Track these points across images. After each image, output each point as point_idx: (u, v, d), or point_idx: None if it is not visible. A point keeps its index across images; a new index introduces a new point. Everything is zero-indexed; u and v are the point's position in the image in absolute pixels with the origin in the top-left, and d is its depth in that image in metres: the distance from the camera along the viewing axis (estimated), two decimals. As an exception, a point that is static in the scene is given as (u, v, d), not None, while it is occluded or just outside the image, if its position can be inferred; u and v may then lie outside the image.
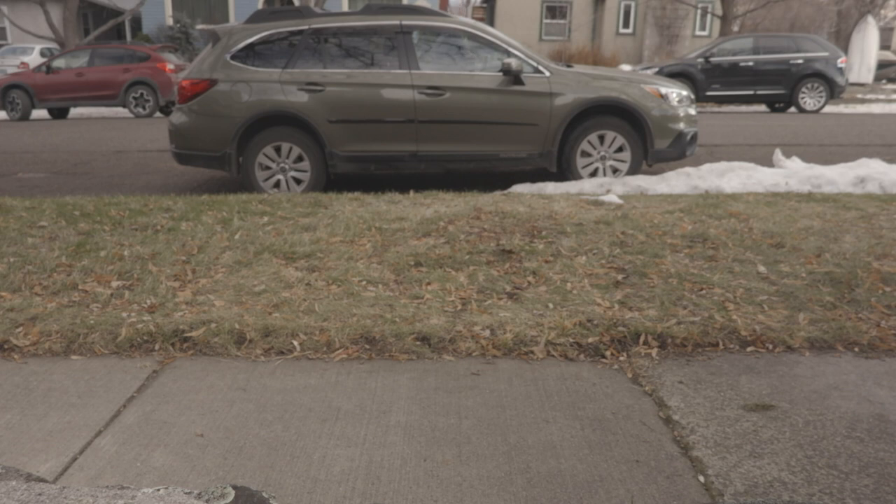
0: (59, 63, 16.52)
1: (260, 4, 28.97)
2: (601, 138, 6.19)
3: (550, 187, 6.01)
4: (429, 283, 3.41)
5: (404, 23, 6.14)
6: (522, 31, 28.52)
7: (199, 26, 6.13)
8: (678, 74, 15.81)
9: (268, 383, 2.55)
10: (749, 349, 2.77)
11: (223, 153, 6.06)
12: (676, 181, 6.08)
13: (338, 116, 6.02)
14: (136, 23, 29.15)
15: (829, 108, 16.09)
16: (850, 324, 2.90)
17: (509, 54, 6.13)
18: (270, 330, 2.88)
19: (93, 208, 5.02)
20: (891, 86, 23.69)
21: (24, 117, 16.24)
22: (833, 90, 15.37)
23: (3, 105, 16.20)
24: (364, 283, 3.43)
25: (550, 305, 3.12)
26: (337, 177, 6.34)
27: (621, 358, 2.73)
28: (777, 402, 2.36)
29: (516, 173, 7.16)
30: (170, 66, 16.16)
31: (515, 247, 3.91)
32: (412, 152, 6.17)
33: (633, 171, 6.23)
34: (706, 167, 6.39)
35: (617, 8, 28.53)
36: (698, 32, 28.57)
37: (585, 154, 6.21)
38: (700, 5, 26.62)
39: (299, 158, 6.09)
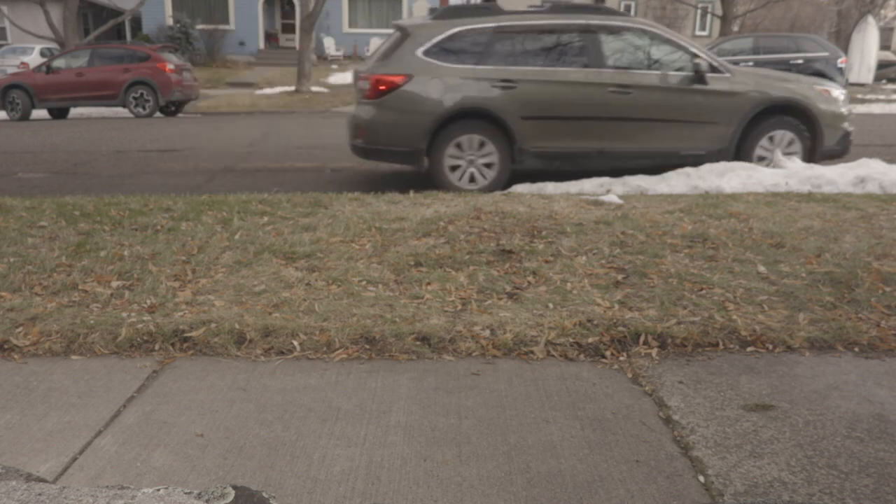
0: (59, 63, 16.52)
1: (260, 4, 28.97)
2: (770, 138, 6.38)
3: (550, 187, 6.01)
4: (429, 283, 3.41)
5: (591, 22, 6.28)
6: (522, 31, 28.48)
7: (399, 20, 6.15)
8: None
9: (268, 383, 2.55)
10: (749, 349, 2.77)
11: (414, 149, 6.17)
12: (676, 181, 6.08)
13: (529, 113, 6.14)
14: (136, 23, 29.15)
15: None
16: (850, 324, 2.90)
17: (690, 54, 6.31)
18: (270, 330, 2.88)
19: (93, 208, 5.01)
20: (891, 86, 23.68)
21: (24, 117, 16.23)
22: (833, 90, 15.36)
23: (3, 105, 16.19)
24: (364, 283, 3.43)
25: (550, 305, 3.12)
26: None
27: (621, 358, 2.73)
28: (777, 402, 2.36)
29: (516, 173, 7.16)
30: (170, 66, 16.16)
31: (515, 247, 3.91)
32: (598, 149, 6.30)
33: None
34: (706, 167, 6.38)
35: (617, 8, 28.53)
36: (698, 32, 28.58)
37: (762, 150, 6.41)
38: (700, 5, 26.62)
39: (487, 153, 6.20)
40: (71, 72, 16.21)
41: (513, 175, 6.29)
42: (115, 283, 3.44)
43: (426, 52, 6.13)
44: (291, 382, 2.55)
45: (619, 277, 3.46)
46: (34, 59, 22.98)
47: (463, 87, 6.09)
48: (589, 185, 6.03)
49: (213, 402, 2.42)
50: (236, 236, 4.20)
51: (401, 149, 6.22)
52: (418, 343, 2.81)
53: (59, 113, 17.02)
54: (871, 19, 22.49)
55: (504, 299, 3.23)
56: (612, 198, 5.14)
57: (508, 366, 2.67)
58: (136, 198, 5.47)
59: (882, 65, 24.93)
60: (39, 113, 16.82)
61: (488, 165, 6.18)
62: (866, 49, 22.22)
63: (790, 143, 6.36)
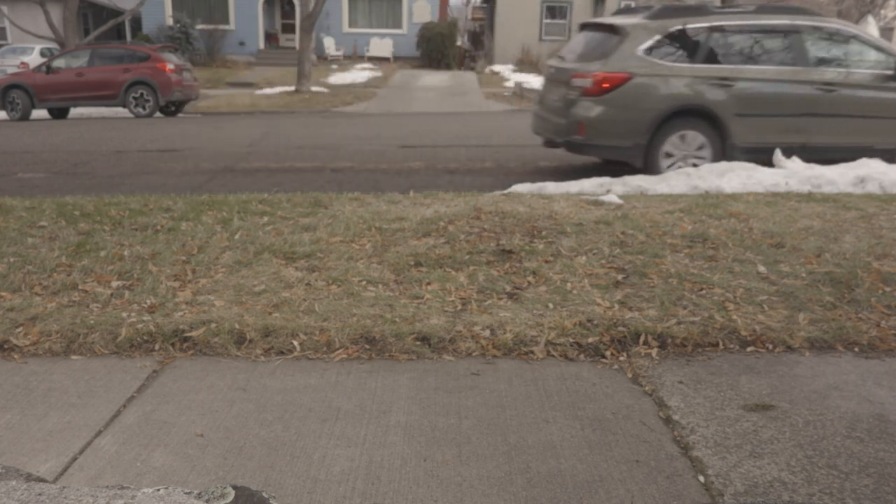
0: (59, 63, 16.51)
1: (260, 4, 28.97)
2: None
3: (551, 187, 6.01)
4: (429, 283, 3.41)
5: (797, 23, 6.58)
6: (522, 30, 28.52)
7: (604, 19, 6.39)
8: None
9: (268, 383, 2.55)
10: (749, 349, 2.77)
11: (635, 144, 6.44)
12: (676, 181, 6.08)
13: (743, 110, 6.43)
14: (136, 23, 29.16)
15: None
16: (850, 324, 2.90)
17: (887, 53, 6.60)
18: (270, 330, 2.88)
19: (93, 208, 5.01)
20: (891, 86, 23.66)
21: (24, 117, 16.23)
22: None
23: (3, 105, 16.19)
24: (364, 283, 3.43)
25: (550, 305, 3.12)
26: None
27: (621, 358, 2.73)
28: (777, 402, 2.36)
29: (516, 173, 7.16)
30: (170, 66, 16.15)
31: (515, 247, 3.91)
32: (801, 144, 6.58)
33: None
34: (706, 167, 6.38)
35: (617, 8, 28.52)
36: (698, 32, 28.52)
37: None
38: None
39: (700, 148, 6.48)
40: (71, 72, 16.20)
41: (517, 176, 6.30)
42: (115, 283, 3.44)
43: (646, 51, 6.43)
44: (291, 382, 2.55)
45: (619, 277, 3.46)
46: (34, 59, 22.99)
47: (682, 85, 6.41)
48: (589, 185, 6.03)
49: (213, 402, 2.42)
50: (236, 236, 4.20)
51: (623, 144, 6.50)
52: (418, 343, 2.81)
53: (59, 113, 17.02)
54: (871, 19, 22.49)
55: (504, 299, 3.23)
56: (612, 198, 5.14)
57: (508, 366, 2.67)
58: (136, 198, 5.47)
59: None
60: (39, 113, 16.82)
61: (700, 159, 6.50)
62: (866, 49, 22.19)
63: None
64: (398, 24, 29.91)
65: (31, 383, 2.56)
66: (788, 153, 6.54)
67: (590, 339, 2.81)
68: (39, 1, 19.93)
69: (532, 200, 5.10)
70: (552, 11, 29.21)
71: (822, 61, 6.60)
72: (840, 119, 6.60)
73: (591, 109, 6.47)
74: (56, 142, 10.93)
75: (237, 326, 2.89)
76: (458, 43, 30.81)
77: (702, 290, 3.27)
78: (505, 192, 5.76)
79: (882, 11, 29.27)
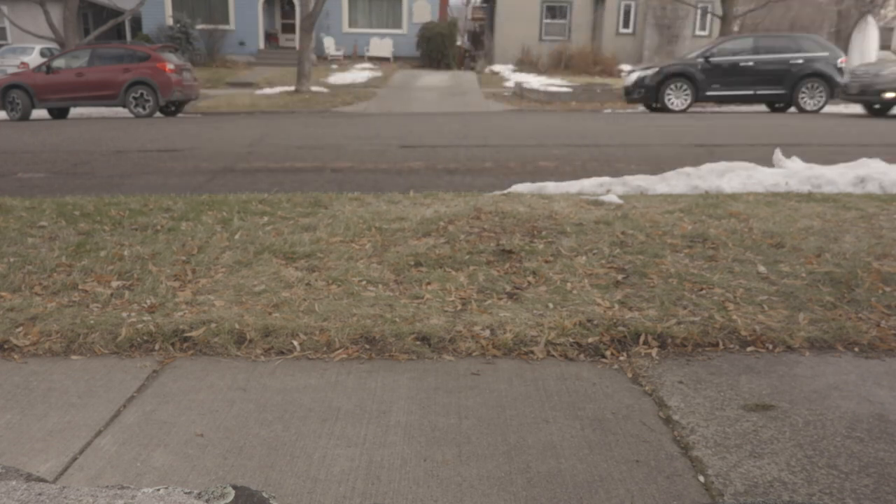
0: (59, 63, 16.52)
1: (259, 5, 28.97)
2: None
3: (550, 187, 6.00)
4: (429, 283, 3.41)
5: None
6: (522, 30, 28.52)
7: None
8: (678, 74, 15.82)
9: (268, 383, 2.55)
10: (749, 349, 2.77)
11: None
12: (676, 181, 6.08)
13: None
14: (136, 23, 29.15)
15: (829, 108, 16.08)
16: (850, 324, 2.90)
17: None
18: (270, 330, 2.88)
19: (93, 208, 5.01)
20: (891, 86, 23.64)
21: (24, 117, 16.23)
22: (833, 90, 15.36)
23: (3, 105, 16.19)
24: (364, 283, 3.43)
25: (550, 305, 3.12)
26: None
27: (621, 358, 2.73)
28: (777, 402, 2.36)
29: (516, 173, 7.16)
30: (170, 66, 16.16)
31: (515, 247, 3.91)
32: None
33: None
34: (706, 167, 6.38)
35: (617, 8, 28.53)
36: (698, 32, 28.57)
37: None
38: (700, 5, 26.61)
39: None
40: (71, 72, 16.21)
41: (516, 176, 6.28)
42: (115, 283, 3.44)
43: None
44: (291, 382, 2.55)
45: (619, 277, 3.46)
46: (34, 59, 23.00)
47: None
48: (589, 185, 6.03)
49: (213, 402, 2.42)
50: (236, 236, 4.20)
51: None
52: (418, 343, 2.81)
53: (59, 113, 17.03)
54: (871, 19, 22.49)
55: (504, 299, 3.23)
56: (612, 198, 5.14)
57: (508, 366, 2.67)
58: (136, 198, 5.47)
59: (882, 65, 24.87)
60: (39, 113, 16.83)
61: None
62: (866, 49, 22.22)
63: None
64: (398, 24, 29.92)
65: (31, 383, 2.56)
66: None
67: (590, 339, 2.81)
68: (39, 1, 19.93)
69: (532, 200, 5.10)
70: (552, 11, 29.20)
71: None
72: None
73: None
74: (56, 142, 10.93)
75: (237, 326, 2.89)
76: (458, 43, 30.82)
77: (702, 290, 3.27)
78: (505, 192, 5.76)
79: (882, 11, 29.25)
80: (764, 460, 2.03)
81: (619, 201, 5.08)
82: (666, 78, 15.81)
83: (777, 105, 16.19)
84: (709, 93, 15.78)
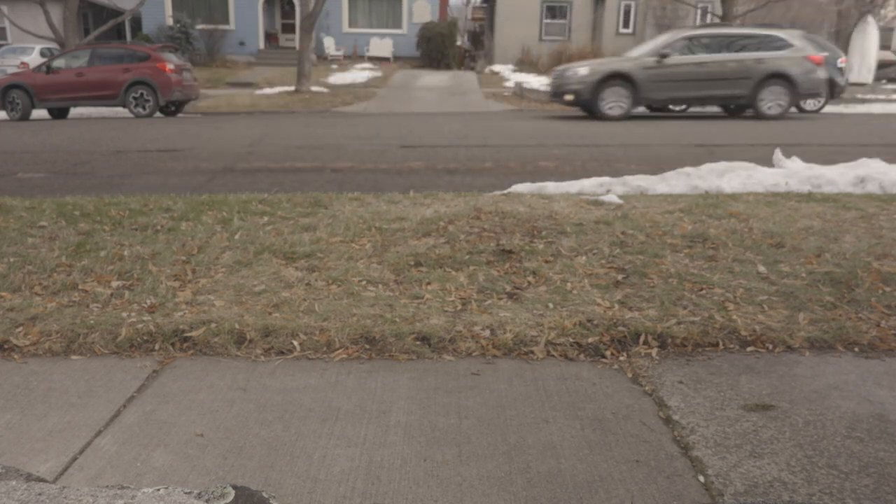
0: (59, 63, 16.51)
1: (259, 5, 28.97)
2: None
3: (550, 187, 6.00)
4: (429, 283, 3.41)
5: None
6: (522, 31, 28.52)
7: None
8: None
9: (268, 383, 2.55)
10: (749, 349, 2.77)
11: None
12: (676, 181, 6.08)
13: None
14: (136, 23, 29.15)
15: (829, 108, 16.08)
16: (850, 324, 2.90)
17: None
18: (270, 330, 2.88)
19: (93, 208, 5.01)
20: (891, 86, 23.68)
21: (24, 117, 16.23)
22: (833, 90, 15.34)
23: (3, 105, 16.19)
24: (364, 283, 3.43)
25: (550, 305, 3.12)
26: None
27: (621, 358, 2.73)
28: (777, 402, 2.36)
29: (516, 173, 7.16)
30: (170, 66, 16.15)
31: (515, 247, 3.91)
32: None
33: None
34: (706, 167, 6.38)
35: (617, 8, 28.53)
36: (698, 32, 28.51)
37: None
38: (700, 5, 26.62)
39: None
40: (71, 72, 16.20)
41: (516, 176, 6.28)
42: (115, 283, 3.44)
43: None
44: (291, 382, 2.55)
45: (619, 277, 3.46)
46: (34, 59, 23.00)
47: None
48: (589, 185, 6.02)
49: (213, 402, 2.42)
50: (236, 236, 4.20)
51: None
52: (418, 343, 2.80)
53: (59, 113, 17.02)
54: (871, 19, 22.49)
55: (504, 299, 3.23)
56: (612, 198, 5.14)
57: (508, 366, 2.67)
58: (136, 198, 5.47)
59: (882, 65, 24.93)
60: (39, 113, 16.82)
61: None
62: (866, 49, 22.22)
63: None
64: (398, 24, 29.92)
65: (31, 383, 2.56)
66: None
67: (590, 339, 2.81)
68: (39, 1, 19.93)
69: (532, 200, 5.10)
70: (552, 11, 29.20)
71: None
72: None
73: None
74: (56, 142, 10.93)
75: (237, 326, 2.89)
76: (458, 43, 30.82)
77: (702, 290, 3.27)
78: (505, 192, 5.76)
79: (882, 11, 29.25)
80: (764, 460, 2.03)
81: (619, 201, 5.08)
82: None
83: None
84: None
